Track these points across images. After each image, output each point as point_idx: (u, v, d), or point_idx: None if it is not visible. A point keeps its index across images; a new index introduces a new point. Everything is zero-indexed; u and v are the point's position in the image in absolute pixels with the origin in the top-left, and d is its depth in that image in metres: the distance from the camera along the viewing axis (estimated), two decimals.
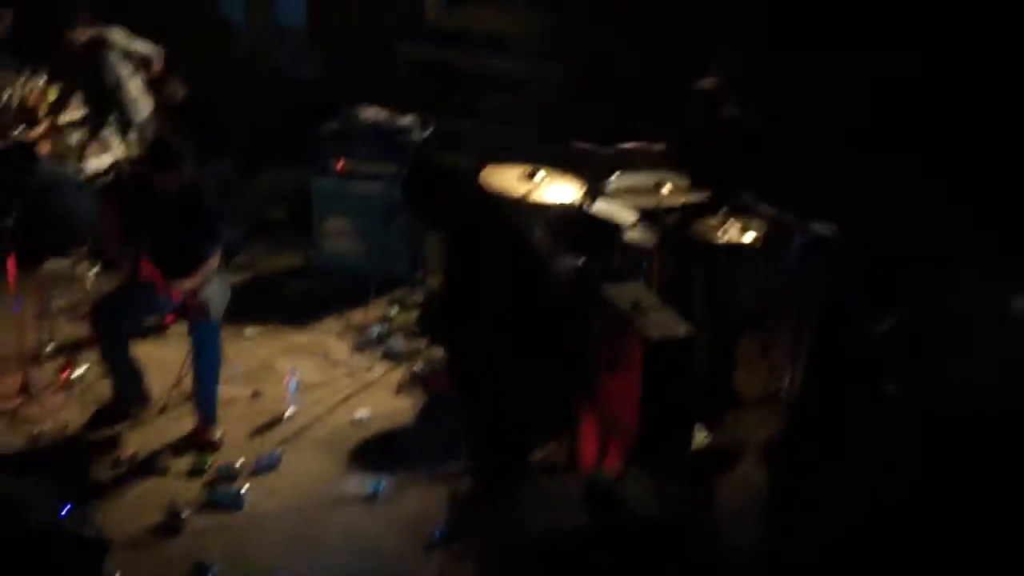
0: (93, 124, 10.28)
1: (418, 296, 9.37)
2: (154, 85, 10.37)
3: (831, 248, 7.50)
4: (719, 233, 7.67)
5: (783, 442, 7.37)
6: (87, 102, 10.43)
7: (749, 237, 7.70)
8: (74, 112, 10.81)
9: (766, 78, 9.43)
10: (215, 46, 12.78)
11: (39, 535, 5.84)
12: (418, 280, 9.55)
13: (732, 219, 7.71)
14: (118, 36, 10.04)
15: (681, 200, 8.03)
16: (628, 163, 8.62)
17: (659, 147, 8.55)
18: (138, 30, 10.29)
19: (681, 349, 6.25)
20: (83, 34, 9.87)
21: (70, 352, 8.54)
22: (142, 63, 10.21)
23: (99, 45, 9.94)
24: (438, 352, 8.50)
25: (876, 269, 7.25)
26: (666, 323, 6.30)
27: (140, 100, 10.17)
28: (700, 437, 6.68)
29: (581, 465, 6.94)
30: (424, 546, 6.70)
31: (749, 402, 8.12)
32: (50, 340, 8.63)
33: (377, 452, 7.63)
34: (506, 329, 6.27)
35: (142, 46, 10.16)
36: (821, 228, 7.50)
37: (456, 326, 6.55)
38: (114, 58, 9.99)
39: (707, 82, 8.09)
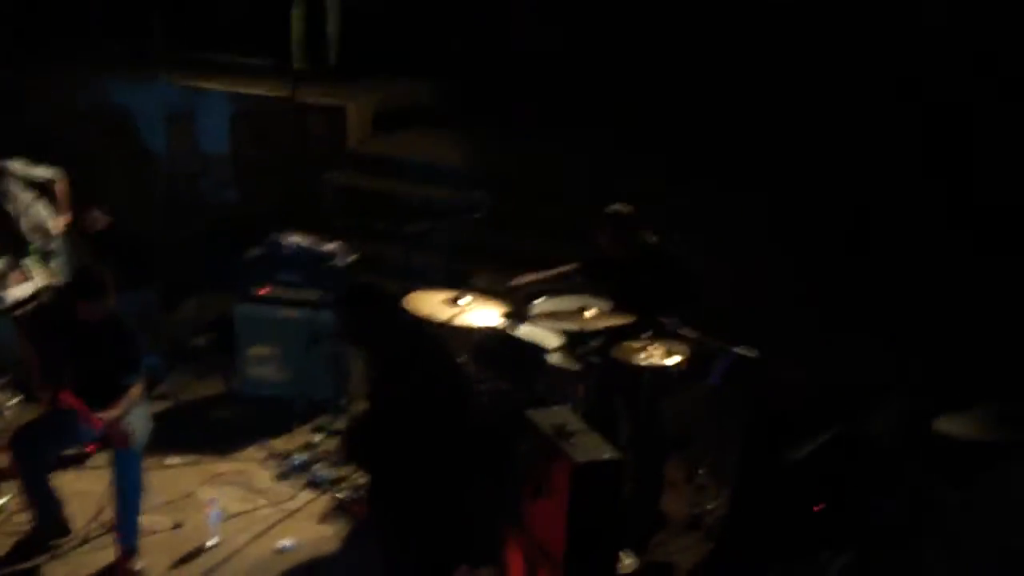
0: (14, 253, 10.22)
1: (342, 422, 9.31)
2: (76, 215, 10.36)
3: (754, 371, 7.55)
4: (642, 356, 7.70)
5: (710, 566, 7.36)
6: (1, 233, 10.39)
7: (672, 360, 7.73)
8: None
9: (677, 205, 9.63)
10: (137, 174, 12.82)
11: None
12: (342, 406, 9.49)
13: (655, 343, 7.74)
14: (17, 165, 10.06)
15: (604, 324, 8.07)
16: (548, 288, 8.67)
17: (569, 268, 8.58)
18: (53, 158, 10.32)
19: (607, 472, 6.25)
20: None
21: None
22: (43, 187, 10.21)
23: (1, 174, 9.94)
24: (362, 478, 8.45)
25: (800, 392, 7.31)
26: (592, 446, 6.30)
27: (48, 223, 10.14)
28: (627, 561, 6.65)
29: None
30: None
31: (676, 525, 8.11)
32: None
33: None
34: (431, 453, 6.23)
35: (42, 171, 10.19)
36: (744, 350, 7.56)
37: (379, 451, 6.50)
38: (15, 187, 9.98)
39: (620, 207, 8.10)
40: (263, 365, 9.98)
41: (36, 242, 10.06)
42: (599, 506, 6.20)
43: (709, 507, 8.01)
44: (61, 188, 10.17)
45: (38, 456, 7.60)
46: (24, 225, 10.09)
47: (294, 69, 12.96)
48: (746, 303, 9.55)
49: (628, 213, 8.03)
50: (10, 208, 10.07)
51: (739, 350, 7.57)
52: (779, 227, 10.33)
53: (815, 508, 6.42)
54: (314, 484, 8.64)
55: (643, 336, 7.74)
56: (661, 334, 7.75)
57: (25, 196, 10.08)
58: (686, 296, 8.01)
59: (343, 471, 8.68)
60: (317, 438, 9.20)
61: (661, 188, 9.41)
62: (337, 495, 8.43)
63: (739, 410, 7.77)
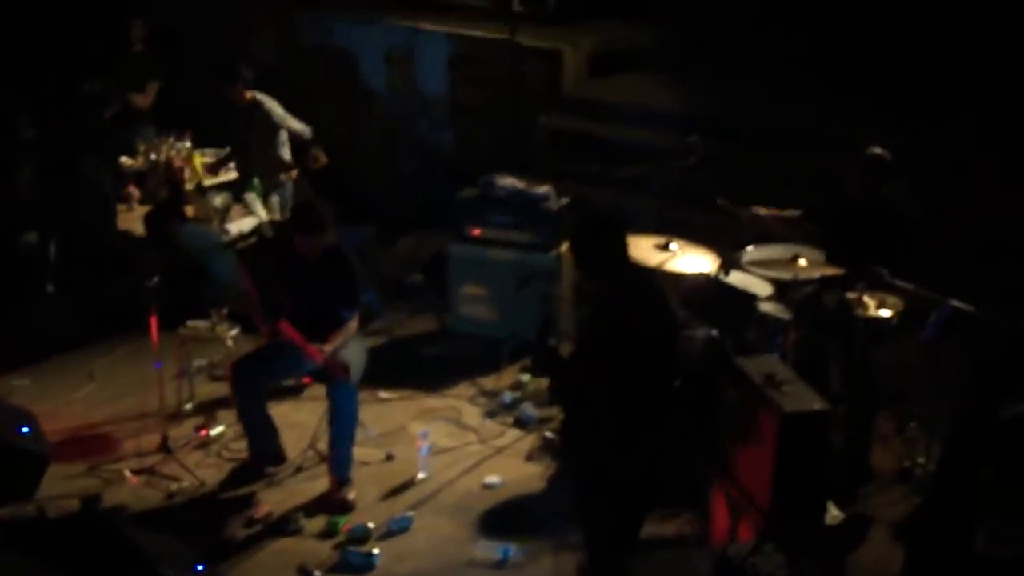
0: (237, 187, 10.54)
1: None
2: (297, 152, 10.61)
3: (971, 325, 7.37)
4: (857, 307, 7.58)
5: (918, 520, 7.24)
6: (236, 163, 10.74)
7: (887, 312, 7.61)
8: (218, 176, 11.11)
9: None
10: (357, 114, 13.04)
11: None
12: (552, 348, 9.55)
13: (870, 293, 7.62)
14: (275, 106, 10.36)
15: (817, 273, 7.97)
16: (763, 230, 8.58)
17: (792, 213, 8.49)
18: (283, 97, 10.59)
19: (816, 423, 6.19)
20: (242, 94, 10.20)
21: (208, 411, 8.70)
22: (293, 136, 10.51)
23: (257, 106, 10.25)
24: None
25: (1019, 347, 7.11)
26: (801, 397, 6.24)
27: (284, 164, 10.44)
28: (834, 513, 6.59)
29: (712, 538, 6.88)
30: None
31: (885, 479, 8.00)
32: (189, 399, 8.81)
33: (507, 518, 7.64)
34: (638, 397, 6.23)
35: (299, 125, 10.50)
36: (961, 305, 7.39)
37: (582, 387, 6.49)
38: (265, 123, 10.28)
39: (876, 150, 8.00)
40: (474, 304, 10.11)
41: (264, 177, 10.36)
42: (807, 457, 6.15)
43: (919, 461, 7.88)
44: (316, 153, 10.46)
45: (256, 386, 7.83)
46: (259, 159, 10.42)
47: (512, 11, 12.98)
48: (965, 256, 9.31)
49: (886, 158, 7.93)
50: (253, 139, 10.40)
51: (955, 303, 7.40)
52: (1005, 176, 10.00)
53: None
54: (521, 423, 8.74)
55: (857, 286, 7.62)
56: (876, 285, 7.61)
57: (276, 134, 10.41)
58: (907, 247, 7.87)
59: (550, 411, 8.75)
60: (525, 378, 9.29)
61: (878, 134, 9.19)
62: (545, 434, 8.51)
63: (954, 365, 7.59)
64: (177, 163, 11.09)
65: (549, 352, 6.82)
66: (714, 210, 8.77)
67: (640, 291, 6.40)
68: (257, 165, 10.46)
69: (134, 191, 11.17)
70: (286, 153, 10.60)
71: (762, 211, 8.56)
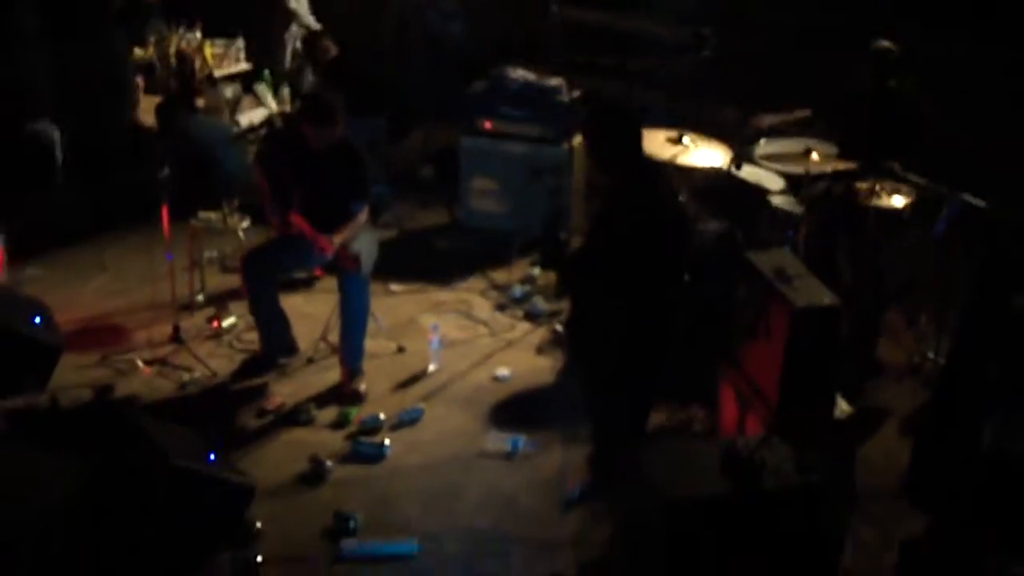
0: (248, 78, 10.50)
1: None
2: (307, 43, 10.55)
3: (983, 219, 7.35)
4: (869, 198, 7.56)
5: (926, 413, 7.27)
6: (250, 51, 10.71)
7: (899, 203, 7.60)
8: (229, 67, 11.05)
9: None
10: (367, 5, 12.90)
11: (186, 479, 5.97)
12: (561, 240, 9.53)
13: (882, 185, 7.60)
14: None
15: (830, 167, 7.94)
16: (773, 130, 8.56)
17: (802, 115, 8.46)
18: None
19: (827, 317, 6.18)
20: None
21: (220, 302, 8.73)
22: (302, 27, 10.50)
23: None
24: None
25: None
26: (812, 291, 6.23)
27: (289, 48, 10.45)
28: (842, 407, 6.62)
29: (721, 431, 6.92)
30: (561, 505, 6.75)
31: (894, 372, 8.03)
32: (201, 290, 8.84)
33: (517, 410, 7.69)
34: (648, 291, 6.23)
35: (312, 21, 10.46)
36: (972, 199, 7.36)
37: (593, 286, 6.49)
38: (283, 14, 10.26)
39: (883, 44, 7.97)
40: (485, 198, 10.10)
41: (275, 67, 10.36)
42: (816, 351, 6.15)
43: (929, 356, 7.90)
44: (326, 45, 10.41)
45: (267, 278, 7.85)
46: (282, 41, 10.42)
47: None
48: (978, 150, 9.27)
49: (894, 52, 7.89)
50: (275, 30, 10.39)
51: (966, 197, 7.37)
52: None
53: None
54: (531, 316, 8.77)
55: (870, 179, 7.60)
56: (888, 178, 7.59)
57: (285, 20, 10.41)
58: (919, 141, 7.85)
59: (560, 305, 8.78)
60: (535, 271, 9.29)
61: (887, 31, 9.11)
62: (555, 327, 8.53)
63: (964, 259, 7.59)
64: (187, 54, 11.04)
65: (556, 245, 6.81)
66: (726, 104, 8.72)
67: (652, 185, 6.38)
68: (271, 55, 10.43)
69: (140, 82, 11.12)
70: (296, 44, 10.57)
71: (768, 119, 8.52)
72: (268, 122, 9.88)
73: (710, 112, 9.66)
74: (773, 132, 8.48)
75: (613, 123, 6.35)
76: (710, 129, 8.89)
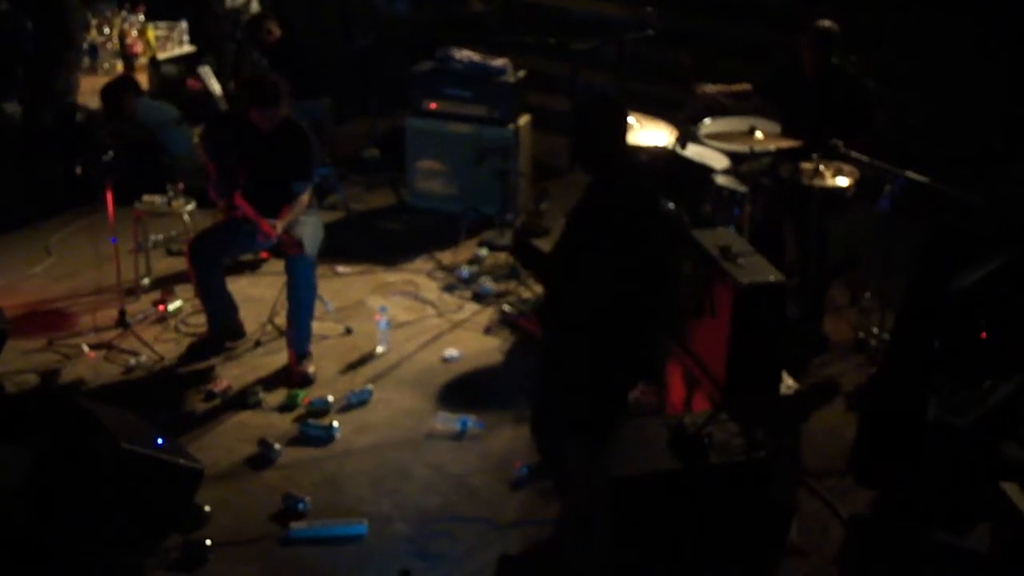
0: (191, 60, 10.46)
1: (507, 238, 9.38)
2: (251, 25, 10.51)
3: (925, 196, 7.42)
4: (813, 176, 7.61)
5: (872, 389, 7.34)
6: (195, 34, 10.68)
7: (844, 181, 7.65)
8: (172, 49, 11.00)
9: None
10: None
11: (134, 463, 5.95)
12: (508, 221, 9.56)
13: (826, 164, 7.65)
14: None
15: (773, 146, 7.99)
16: (714, 105, 8.60)
17: (742, 88, 8.52)
18: None
19: (772, 295, 6.22)
20: None
21: (166, 286, 8.69)
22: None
23: None
24: (526, 293, 8.57)
25: (973, 219, 7.16)
26: (757, 269, 6.27)
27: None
28: (788, 383, 6.67)
29: (668, 408, 6.96)
30: (510, 484, 6.77)
31: (840, 348, 8.10)
32: (146, 274, 8.80)
33: (465, 391, 7.70)
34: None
35: (256, 6, 10.46)
36: (916, 176, 7.43)
37: (571, 283, 6.43)
38: None
39: (825, 23, 8.02)
40: (431, 179, 10.11)
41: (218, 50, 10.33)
42: (762, 328, 6.19)
43: (874, 332, 7.97)
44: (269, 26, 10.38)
45: (214, 262, 7.81)
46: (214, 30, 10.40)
47: None
48: (922, 129, 9.36)
49: (835, 31, 7.95)
50: (219, 11, 10.38)
51: (910, 174, 7.43)
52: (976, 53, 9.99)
53: (981, 336, 6.34)
54: (479, 297, 8.77)
55: (813, 157, 7.65)
56: (831, 156, 7.64)
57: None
58: (864, 120, 7.91)
59: (508, 285, 8.80)
60: (483, 252, 9.31)
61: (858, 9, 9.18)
62: (503, 308, 8.55)
63: (908, 236, 7.66)
64: (131, 36, 10.98)
65: (529, 249, 6.80)
66: (670, 84, 8.76)
67: (634, 183, 6.35)
68: (214, 37, 10.40)
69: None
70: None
71: (710, 88, 8.57)
72: (212, 103, 9.84)
73: (656, 88, 9.69)
74: (716, 107, 8.53)
75: (606, 115, 6.23)
76: (655, 108, 8.94)
